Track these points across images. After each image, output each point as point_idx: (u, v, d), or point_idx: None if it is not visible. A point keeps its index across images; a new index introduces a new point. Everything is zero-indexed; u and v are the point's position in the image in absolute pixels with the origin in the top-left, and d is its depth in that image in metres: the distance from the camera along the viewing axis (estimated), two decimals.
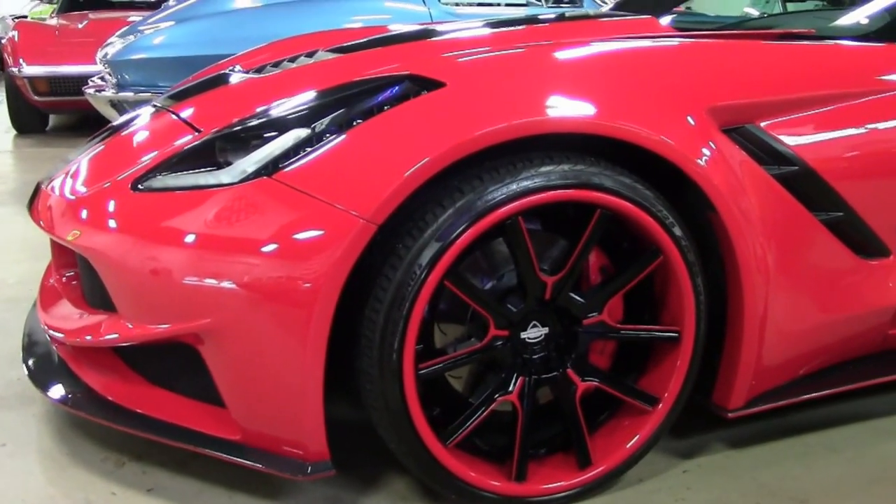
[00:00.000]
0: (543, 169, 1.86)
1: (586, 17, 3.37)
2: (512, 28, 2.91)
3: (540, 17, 3.52)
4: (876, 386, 2.41)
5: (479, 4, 6.00)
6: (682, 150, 1.94)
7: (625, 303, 2.12)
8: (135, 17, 7.42)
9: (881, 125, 2.25)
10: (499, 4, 6.08)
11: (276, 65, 2.75)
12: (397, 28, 3.26)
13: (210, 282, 1.81)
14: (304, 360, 1.77)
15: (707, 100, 2.06)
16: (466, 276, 1.90)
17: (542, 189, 1.85)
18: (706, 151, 1.98)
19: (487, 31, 2.96)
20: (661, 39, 2.41)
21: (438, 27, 3.07)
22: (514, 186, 1.83)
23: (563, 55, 2.17)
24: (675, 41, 2.35)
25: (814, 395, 2.29)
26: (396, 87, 1.97)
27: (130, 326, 1.98)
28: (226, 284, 1.79)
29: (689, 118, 2.00)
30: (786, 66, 2.25)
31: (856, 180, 2.22)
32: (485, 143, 1.80)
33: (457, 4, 5.95)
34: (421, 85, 1.96)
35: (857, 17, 2.69)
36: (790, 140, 2.13)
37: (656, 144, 1.92)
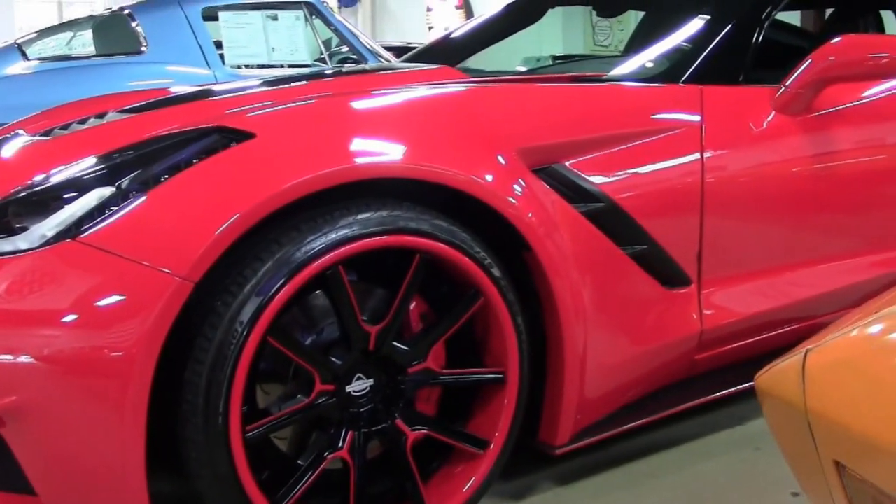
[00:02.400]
0: (361, 216, 1.83)
1: (377, 69, 3.37)
2: (294, 84, 2.75)
3: (325, 72, 3.51)
4: (687, 410, 2.50)
5: (262, 66, 5.95)
6: (493, 189, 1.97)
7: (447, 347, 2.11)
8: None
9: (676, 161, 2.36)
10: (282, 66, 6.05)
11: (64, 127, 2.60)
12: (181, 89, 3.13)
13: (14, 358, 1.66)
14: (122, 434, 1.65)
15: (516, 141, 2.10)
16: (289, 331, 1.84)
17: (360, 237, 1.82)
18: (518, 191, 2.01)
19: (267, 88, 2.79)
20: (464, 84, 2.45)
21: (217, 87, 2.97)
22: (332, 236, 1.79)
23: (371, 102, 2.17)
24: (481, 85, 2.39)
25: (634, 424, 2.35)
26: (204, 140, 1.90)
27: None
28: (31, 360, 1.65)
29: (499, 159, 2.03)
30: (586, 107, 2.34)
31: (656, 214, 2.31)
32: (296, 195, 1.76)
33: (239, 67, 5.88)
34: (229, 137, 1.90)
35: (641, 61, 2.83)
36: (595, 178, 2.20)
37: (467, 184, 1.94)
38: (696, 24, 2.91)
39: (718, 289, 2.49)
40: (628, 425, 2.34)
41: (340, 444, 1.91)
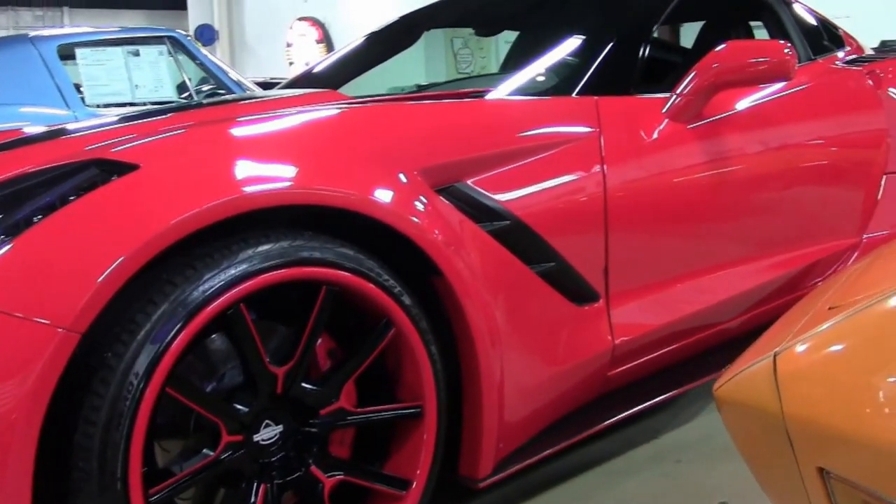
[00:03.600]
0: (261, 249, 1.68)
1: (255, 96, 3.21)
2: (160, 117, 2.47)
3: (193, 103, 3.30)
4: (603, 429, 2.42)
5: (122, 105, 5.70)
6: (394, 209, 1.85)
7: (357, 384, 1.97)
8: None
9: (578, 173, 2.30)
10: (144, 104, 5.81)
11: None
12: (35, 130, 2.87)
13: None
14: None
15: (416, 160, 1.99)
16: (189, 379, 1.67)
17: (261, 271, 1.67)
18: (422, 210, 1.90)
19: (127, 123, 2.47)
20: (356, 104, 2.32)
21: (73, 125, 2.72)
22: (231, 271, 1.64)
23: (260, 127, 2.02)
24: (374, 104, 2.28)
25: (555, 449, 2.26)
26: (81, 175, 1.72)
27: None
28: None
29: (400, 178, 1.92)
30: (485, 122, 2.25)
31: (562, 229, 2.24)
32: (185, 231, 1.60)
33: (100, 106, 5.61)
34: (110, 170, 1.72)
35: (530, 76, 2.76)
36: (499, 195, 2.11)
37: (365, 206, 1.81)
38: (580, 40, 2.89)
39: (627, 302, 2.43)
40: (549, 451, 2.24)
41: (253, 500, 1.75)
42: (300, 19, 20.67)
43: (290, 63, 21.11)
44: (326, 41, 20.48)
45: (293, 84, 3.44)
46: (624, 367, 2.48)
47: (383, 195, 1.86)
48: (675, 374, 2.65)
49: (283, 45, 21.19)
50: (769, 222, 2.91)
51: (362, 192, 1.83)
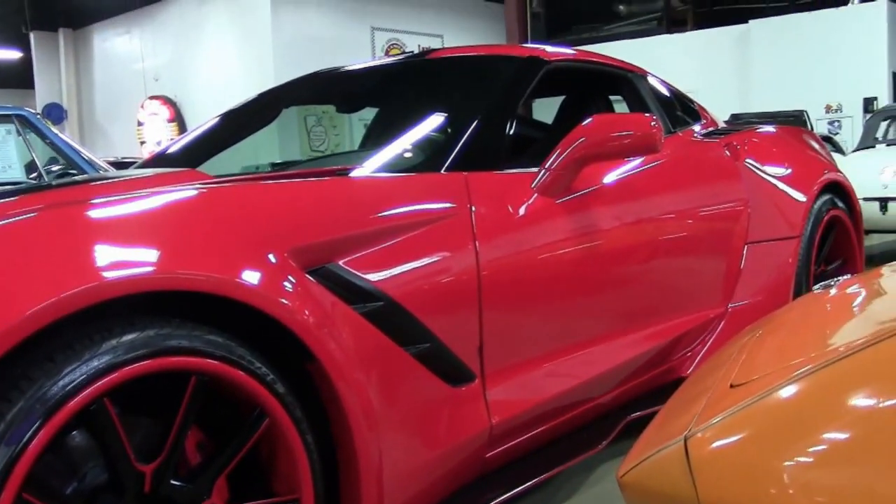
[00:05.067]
0: (126, 338, 1.59)
1: (111, 177, 3.01)
2: (8, 199, 2.19)
3: (43, 184, 3.10)
4: None
5: None
6: (262, 291, 1.77)
7: (229, 477, 1.87)
8: None
9: (449, 250, 2.28)
10: None
11: None
12: None
13: None
14: None
15: (284, 241, 1.92)
16: (50, 482, 1.54)
17: (127, 362, 1.58)
18: (292, 292, 1.83)
19: None
20: (218, 183, 2.22)
21: None
22: (94, 364, 1.53)
23: (116, 210, 1.89)
24: (238, 183, 2.19)
25: None
26: None
27: None
28: None
29: (269, 260, 1.85)
30: (356, 201, 2.21)
31: (436, 308, 2.21)
32: (39, 324, 1.48)
33: None
34: None
35: (396, 152, 2.75)
36: (371, 276, 2.06)
37: (230, 289, 1.73)
38: (446, 116, 2.90)
39: (503, 381, 2.41)
40: None
41: None
42: (151, 98, 20.36)
43: (142, 142, 20.70)
44: (178, 120, 20.20)
45: (150, 164, 3.32)
46: (502, 448, 2.44)
47: (251, 277, 1.78)
48: (551, 453, 2.63)
49: (135, 125, 20.79)
50: (639, 294, 2.96)
51: (229, 274, 1.75)
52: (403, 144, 2.79)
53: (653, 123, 2.65)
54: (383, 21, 19.32)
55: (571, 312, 2.66)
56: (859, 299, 1.62)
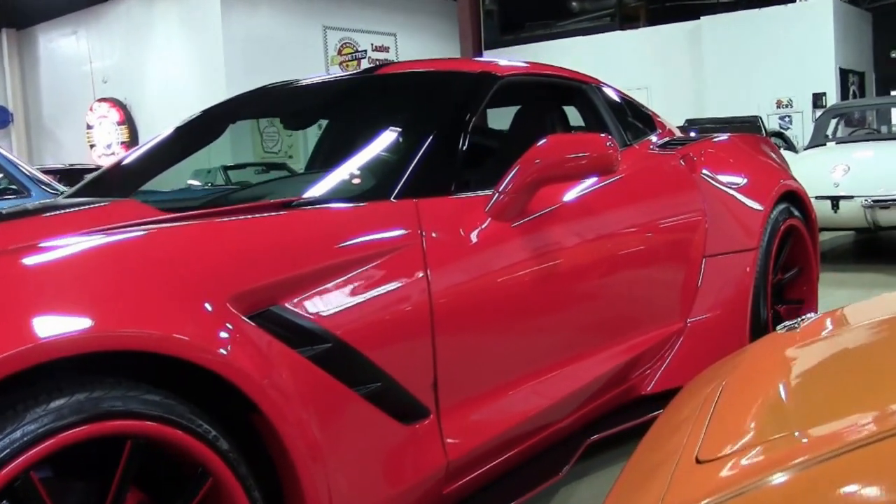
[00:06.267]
0: (53, 405, 1.48)
1: (43, 210, 2.54)
2: None
3: None
4: None
5: None
6: (199, 344, 1.67)
7: None
8: None
9: (400, 283, 2.19)
10: None
11: None
12: None
13: None
14: None
15: (222, 286, 1.82)
16: None
17: (54, 431, 1.47)
18: (232, 343, 1.73)
19: None
20: (153, 224, 2.08)
21: None
22: (18, 435, 1.43)
23: (36, 259, 1.77)
24: (174, 224, 2.05)
25: None
26: None
27: None
28: None
29: (206, 310, 1.75)
30: (298, 238, 2.10)
31: (386, 345, 2.12)
32: None
33: None
34: None
35: (343, 178, 2.65)
36: (317, 316, 1.97)
37: (167, 345, 1.63)
38: (395, 137, 2.81)
39: (459, 414, 2.33)
40: None
41: None
42: (100, 100, 20.02)
43: (92, 146, 20.35)
44: (129, 122, 19.90)
45: (96, 183, 3.18)
46: (460, 482, 2.36)
47: (186, 330, 1.68)
48: (513, 484, 2.55)
49: (84, 128, 20.43)
50: (598, 316, 2.90)
51: (163, 329, 1.64)
52: (351, 169, 2.69)
53: (608, 143, 2.58)
54: (335, 20, 19.18)
55: (529, 338, 2.59)
56: (828, 353, 1.54)
